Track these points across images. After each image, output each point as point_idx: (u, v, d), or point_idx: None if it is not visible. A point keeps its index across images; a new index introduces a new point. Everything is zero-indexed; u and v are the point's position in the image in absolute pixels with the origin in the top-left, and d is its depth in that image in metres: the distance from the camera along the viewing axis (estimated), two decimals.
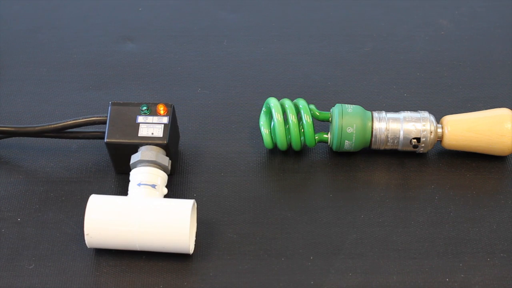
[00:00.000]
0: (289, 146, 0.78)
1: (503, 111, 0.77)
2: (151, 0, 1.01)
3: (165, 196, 0.72)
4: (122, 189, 0.74)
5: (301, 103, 0.77)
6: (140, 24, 0.97)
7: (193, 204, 0.69)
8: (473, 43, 0.94)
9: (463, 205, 0.74)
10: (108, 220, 0.67)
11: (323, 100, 0.85)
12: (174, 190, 0.75)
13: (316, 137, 0.78)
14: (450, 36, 0.95)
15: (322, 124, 0.81)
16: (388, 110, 0.79)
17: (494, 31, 0.96)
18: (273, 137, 0.78)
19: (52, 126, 0.76)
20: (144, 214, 0.67)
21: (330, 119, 0.78)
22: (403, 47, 0.93)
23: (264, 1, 1.01)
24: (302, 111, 0.77)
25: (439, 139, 0.77)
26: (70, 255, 0.69)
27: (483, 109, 0.80)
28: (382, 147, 0.78)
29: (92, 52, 0.92)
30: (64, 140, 0.79)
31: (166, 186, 0.72)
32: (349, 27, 0.97)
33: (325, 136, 0.78)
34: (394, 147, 0.77)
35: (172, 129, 0.73)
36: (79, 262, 0.69)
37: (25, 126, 0.77)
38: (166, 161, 0.72)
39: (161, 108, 0.73)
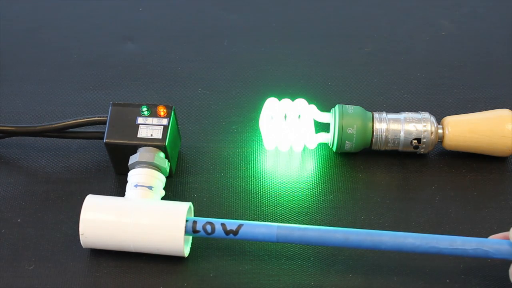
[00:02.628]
0: (290, 147, 0.78)
1: (504, 112, 0.77)
2: (151, 0, 1.01)
3: (163, 197, 0.72)
4: (122, 189, 0.74)
5: (302, 103, 0.77)
6: (140, 24, 0.97)
7: (189, 207, 0.69)
8: (474, 44, 0.94)
9: (464, 206, 0.74)
10: (103, 220, 0.67)
11: (324, 100, 0.85)
12: (175, 190, 0.75)
13: (316, 138, 0.77)
14: (451, 37, 0.95)
15: (322, 124, 0.80)
16: (388, 110, 0.78)
17: (495, 31, 0.96)
18: (274, 138, 0.78)
19: (53, 125, 0.76)
20: (139, 216, 0.67)
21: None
22: (403, 48, 0.93)
23: (264, 1, 1.01)
24: (302, 112, 0.77)
25: (440, 140, 0.77)
26: (70, 255, 0.69)
27: (484, 110, 0.80)
28: (382, 148, 0.77)
29: (92, 52, 0.92)
30: (64, 140, 0.79)
31: (165, 188, 0.72)
32: (350, 28, 0.97)
33: (325, 137, 0.78)
34: (395, 148, 0.77)
35: (172, 131, 0.73)
36: (79, 263, 0.69)
37: (26, 125, 0.77)
38: (164, 163, 0.71)
39: (161, 110, 0.73)
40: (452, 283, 0.68)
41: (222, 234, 0.66)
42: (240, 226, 0.66)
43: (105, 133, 0.72)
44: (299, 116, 0.77)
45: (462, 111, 0.81)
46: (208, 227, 0.66)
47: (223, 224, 0.66)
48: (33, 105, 0.85)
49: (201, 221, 0.67)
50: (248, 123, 0.83)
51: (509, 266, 0.65)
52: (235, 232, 0.66)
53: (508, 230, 0.71)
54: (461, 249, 0.65)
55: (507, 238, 0.65)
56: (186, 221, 0.67)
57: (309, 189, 0.76)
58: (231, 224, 0.67)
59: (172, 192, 0.75)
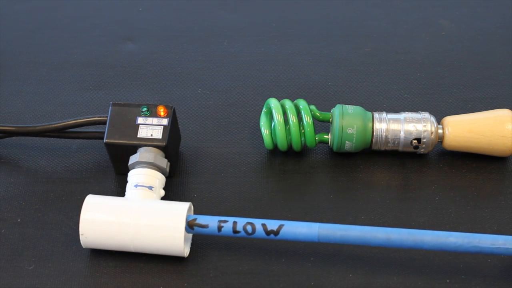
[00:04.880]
0: (290, 146, 0.78)
1: (504, 112, 0.77)
2: (151, 0, 1.01)
3: (163, 198, 0.72)
4: (122, 189, 0.74)
5: (302, 103, 0.77)
6: (140, 24, 0.97)
7: (189, 207, 0.69)
8: (473, 44, 0.94)
9: (464, 206, 0.74)
10: (103, 220, 0.67)
11: (324, 100, 0.85)
12: (175, 191, 0.75)
13: (316, 138, 0.78)
14: (451, 37, 0.95)
15: (322, 124, 0.81)
16: (388, 110, 0.78)
17: (495, 31, 0.96)
18: (274, 138, 0.78)
19: (53, 125, 0.76)
20: (139, 216, 0.67)
21: (330, 119, 0.78)
22: (403, 48, 0.93)
23: (264, 1, 1.01)
24: (302, 112, 0.77)
25: (440, 140, 0.77)
26: (70, 256, 0.69)
27: (483, 110, 0.80)
28: (382, 148, 0.77)
29: (92, 52, 0.92)
30: (64, 140, 0.79)
31: (165, 188, 0.72)
32: (349, 27, 0.97)
33: (325, 136, 0.78)
34: (395, 148, 0.77)
35: (171, 131, 0.73)
36: (79, 263, 0.69)
37: (26, 125, 0.77)
38: (164, 163, 0.71)
39: (161, 110, 0.73)
40: (452, 283, 0.68)
41: (263, 234, 0.66)
42: (281, 226, 0.66)
43: (105, 133, 0.72)
44: (299, 116, 0.77)
45: (462, 111, 0.81)
46: (249, 228, 0.66)
47: (263, 225, 0.66)
48: (33, 105, 0.85)
49: (241, 221, 0.66)
50: (248, 123, 0.83)
51: None
52: (276, 232, 0.66)
53: (508, 230, 0.71)
54: (503, 248, 0.64)
55: None
56: (226, 221, 0.66)
57: (309, 189, 0.76)
58: (272, 224, 0.66)
59: (172, 192, 0.75)
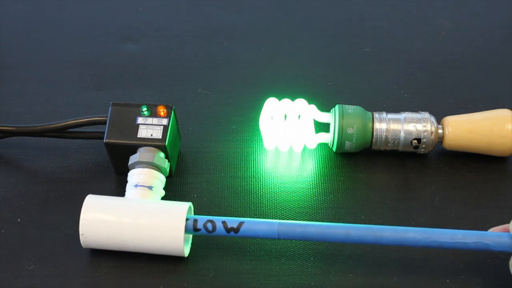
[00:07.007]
0: (290, 147, 0.78)
1: (504, 112, 0.77)
2: (152, 0, 1.01)
3: (163, 197, 0.72)
4: (122, 189, 0.74)
5: (302, 103, 0.77)
6: (140, 24, 0.97)
7: (189, 207, 0.69)
8: (473, 44, 0.94)
9: (464, 206, 0.74)
10: (103, 220, 0.67)
11: (324, 100, 0.85)
12: (175, 190, 0.75)
13: (316, 138, 0.77)
14: (451, 37, 0.95)
15: (322, 124, 0.80)
16: (388, 110, 0.78)
17: (495, 31, 0.96)
18: (274, 138, 0.78)
19: (53, 125, 0.76)
20: (139, 216, 0.67)
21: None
22: (403, 47, 0.93)
23: (264, 1, 1.01)
24: (302, 112, 0.77)
25: (440, 140, 0.77)
26: (70, 256, 0.69)
27: (484, 110, 0.80)
28: (382, 148, 0.77)
29: (92, 52, 0.92)
30: (64, 140, 0.80)
31: (165, 188, 0.72)
32: (349, 27, 0.97)
33: (325, 136, 0.78)
34: (395, 148, 0.77)
35: (172, 131, 0.73)
36: (79, 263, 0.69)
37: (26, 125, 0.77)
38: (164, 163, 0.72)
39: (161, 110, 0.73)
40: (452, 283, 0.68)
41: (223, 232, 0.66)
42: (241, 223, 0.66)
43: (105, 133, 0.72)
44: (299, 116, 0.77)
45: (462, 111, 0.81)
46: (209, 225, 0.66)
47: (224, 222, 0.66)
48: (33, 105, 0.85)
49: (202, 219, 0.67)
50: (248, 123, 0.83)
51: (509, 259, 0.65)
52: (236, 230, 0.66)
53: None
54: (461, 243, 0.65)
55: (507, 231, 0.65)
56: (187, 219, 0.67)
57: (309, 189, 0.76)
58: (232, 221, 0.66)
59: (172, 192, 0.75)
